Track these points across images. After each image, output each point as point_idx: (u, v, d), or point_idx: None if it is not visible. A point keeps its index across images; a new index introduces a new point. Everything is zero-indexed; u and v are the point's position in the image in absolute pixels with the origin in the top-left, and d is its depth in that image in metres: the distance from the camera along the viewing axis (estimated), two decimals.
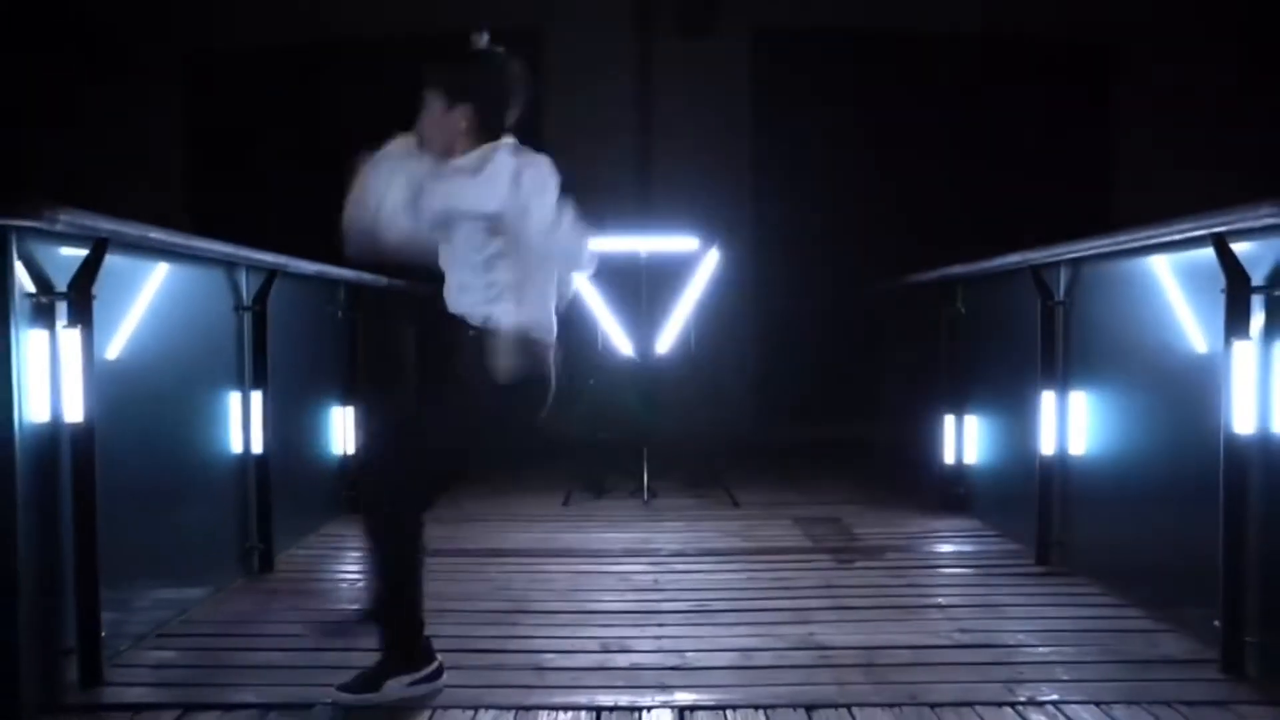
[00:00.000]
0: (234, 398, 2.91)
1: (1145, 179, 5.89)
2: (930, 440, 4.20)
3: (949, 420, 4.04)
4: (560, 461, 4.62)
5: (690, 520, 3.89)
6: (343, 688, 2.01)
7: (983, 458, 3.91)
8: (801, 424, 5.82)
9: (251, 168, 6.25)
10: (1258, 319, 2.11)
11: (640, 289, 4.46)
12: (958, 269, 3.92)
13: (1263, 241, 2.10)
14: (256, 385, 2.97)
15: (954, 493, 4.00)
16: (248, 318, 2.95)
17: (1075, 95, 6.27)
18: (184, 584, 2.64)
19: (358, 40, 6.16)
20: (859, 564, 3.15)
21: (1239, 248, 2.14)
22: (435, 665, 2.06)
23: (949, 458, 4.03)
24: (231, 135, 6.26)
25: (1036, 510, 3.12)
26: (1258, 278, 2.11)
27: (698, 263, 4.53)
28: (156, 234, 2.37)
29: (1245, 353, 2.12)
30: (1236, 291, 2.12)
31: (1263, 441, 2.10)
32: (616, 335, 4.55)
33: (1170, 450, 2.54)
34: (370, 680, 2.01)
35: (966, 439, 3.97)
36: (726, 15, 6.16)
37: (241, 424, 2.92)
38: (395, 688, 2.01)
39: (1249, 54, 5.68)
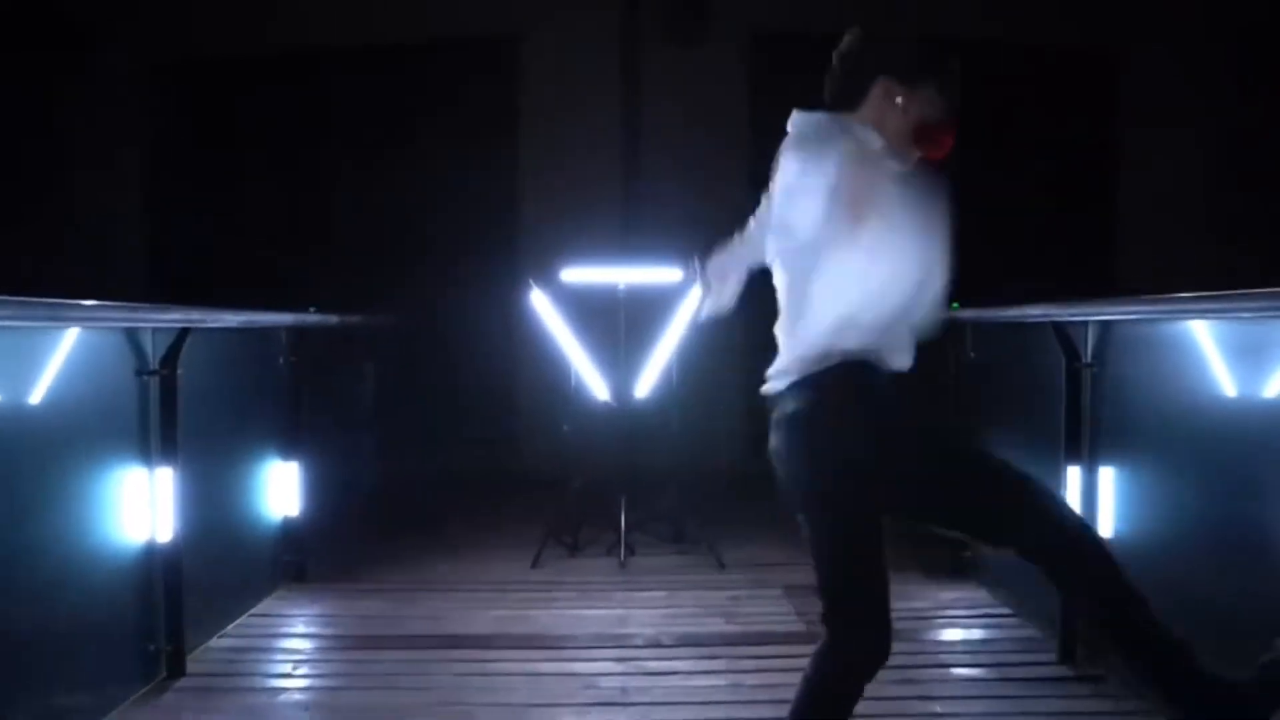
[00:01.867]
0: (136, 476, 2.52)
1: (1156, 201, 5.54)
2: None
3: None
4: (537, 509, 4.24)
5: (670, 589, 3.51)
6: None
7: None
8: None
9: (220, 177, 5.87)
10: None
11: (619, 325, 4.08)
12: (968, 313, 3.54)
13: None
14: (165, 459, 2.57)
15: (961, 556, 3.62)
16: (154, 383, 2.56)
17: (1084, 108, 5.90)
18: (71, 697, 2.25)
19: (336, 51, 5.79)
20: None
21: None
22: None
23: None
24: (199, 142, 5.89)
25: (1060, 603, 2.74)
26: None
27: (682, 295, 4.14)
28: (40, 304, 1.98)
29: None
30: None
31: None
32: (592, 377, 4.16)
33: (1227, 540, 2.16)
34: None
35: None
36: (719, 22, 5.77)
37: (147, 507, 2.53)
38: None
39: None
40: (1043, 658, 2.75)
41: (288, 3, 5.74)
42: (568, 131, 5.74)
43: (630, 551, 3.89)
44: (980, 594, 3.39)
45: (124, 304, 2.35)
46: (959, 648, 2.94)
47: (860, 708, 2.25)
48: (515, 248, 5.74)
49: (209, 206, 5.79)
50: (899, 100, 1.64)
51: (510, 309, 5.35)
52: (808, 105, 1.72)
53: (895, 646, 2.83)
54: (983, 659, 2.80)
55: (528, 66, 5.90)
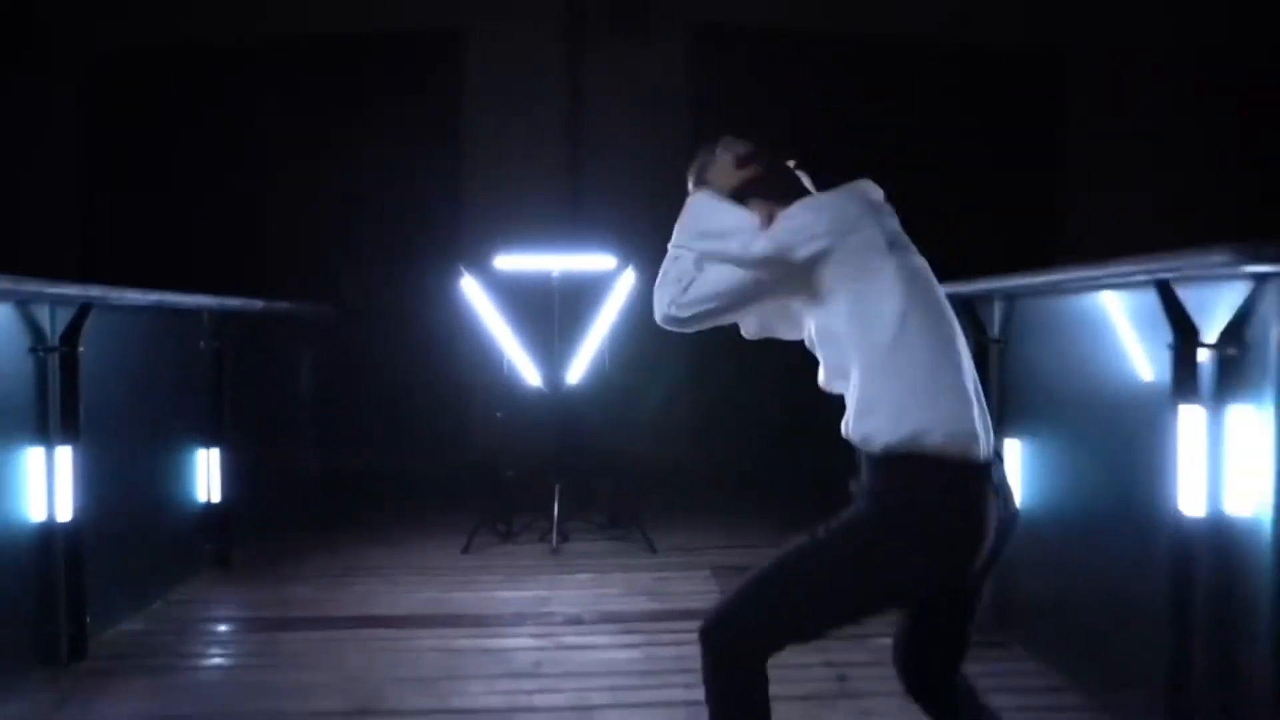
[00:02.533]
0: (31, 455, 2.46)
1: (1100, 192, 5.67)
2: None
3: None
4: (470, 499, 4.22)
5: (599, 571, 3.51)
6: None
7: None
8: (731, 451, 5.45)
9: (154, 170, 5.76)
10: (1207, 378, 1.80)
11: (553, 312, 4.08)
12: None
13: (1214, 290, 1.78)
14: (65, 439, 2.52)
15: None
16: (53, 360, 2.50)
17: (1030, 104, 6.02)
18: None
19: (275, 40, 5.72)
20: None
21: (1189, 294, 1.83)
22: None
23: None
24: (135, 135, 5.77)
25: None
26: (1208, 333, 1.79)
27: (614, 282, 4.15)
28: None
29: (1193, 418, 1.80)
30: (1184, 347, 1.80)
31: (1213, 524, 1.78)
32: (524, 363, 4.16)
33: (1116, 514, 2.22)
34: None
35: None
36: (662, 15, 5.80)
37: (44, 486, 2.48)
38: None
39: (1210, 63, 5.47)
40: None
41: None
42: (511, 122, 5.73)
43: (564, 538, 3.89)
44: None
45: (16, 277, 2.30)
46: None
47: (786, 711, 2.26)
48: (458, 238, 5.71)
49: (143, 194, 5.68)
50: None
51: (449, 298, 5.34)
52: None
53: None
54: (889, 627, 2.82)
55: (471, 58, 5.88)
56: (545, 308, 4.08)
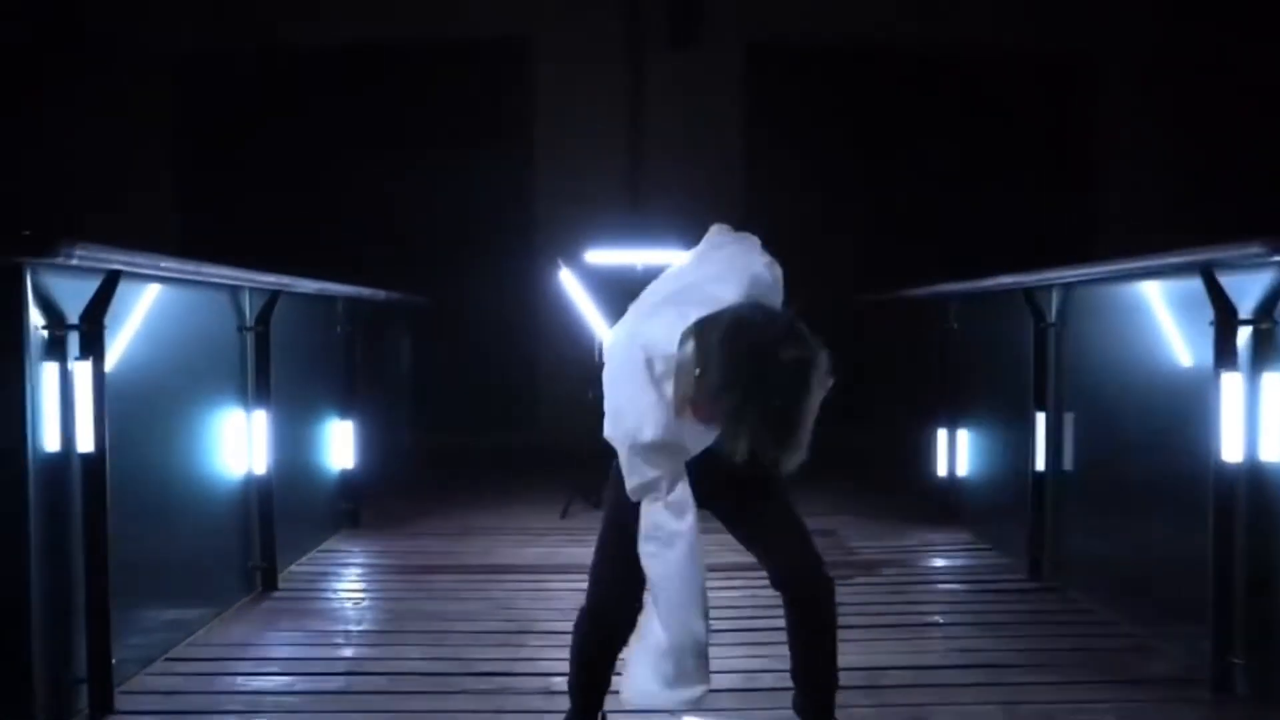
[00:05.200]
0: (238, 418, 2.92)
1: (1134, 187, 5.99)
2: (922, 452, 4.27)
3: (941, 434, 4.10)
4: (558, 472, 4.64)
5: None
6: None
7: (974, 471, 3.98)
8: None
9: (247, 171, 6.21)
10: (1245, 350, 2.18)
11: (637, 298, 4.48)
12: (952, 286, 3.98)
13: (1250, 275, 2.16)
14: (259, 405, 2.98)
15: (946, 505, 4.07)
16: (250, 338, 2.96)
17: (1068, 108, 6.34)
18: (190, 606, 2.65)
19: (352, 45, 6.15)
20: (858, 579, 3.20)
21: (1227, 279, 2.21)
22: None
23: (941, 470, 4.10)
24: (227, 138, 6.22)
25: (1029, 527, 3.19)
26: (1245, 310, 2.18)
27: None
28: (167, 263, 2.38)
29: (1233, 384, 2.19)
30: (1224, 324, 2.19)
31: (1250, 469, 2.17)
32: None
33: (1160, 472, 2.60)
34: None
35: (959, 453, 4.04)
36: (718, 28, 6.20)
37: (246, 444, 2.93)
38: None
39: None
40: (1016, 578, 3.19)
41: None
42: (577, 128, 6.14)
43: None
44: (963, 535, 3.83)
45: (231, 267, 2.75)
46: (949, 573, 3.39)
47: (870, 621, 2.69)
48: (530, 235, 6.14)
49: (240, 195, 6.11)
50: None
51: (531, 290, 5.76)
52: None
53: (897, 574, 3.28)
54: (968, 579, 3.25)
55: (536, 67, 6.28)
56: (631, 297, 4.49)
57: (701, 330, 1.59)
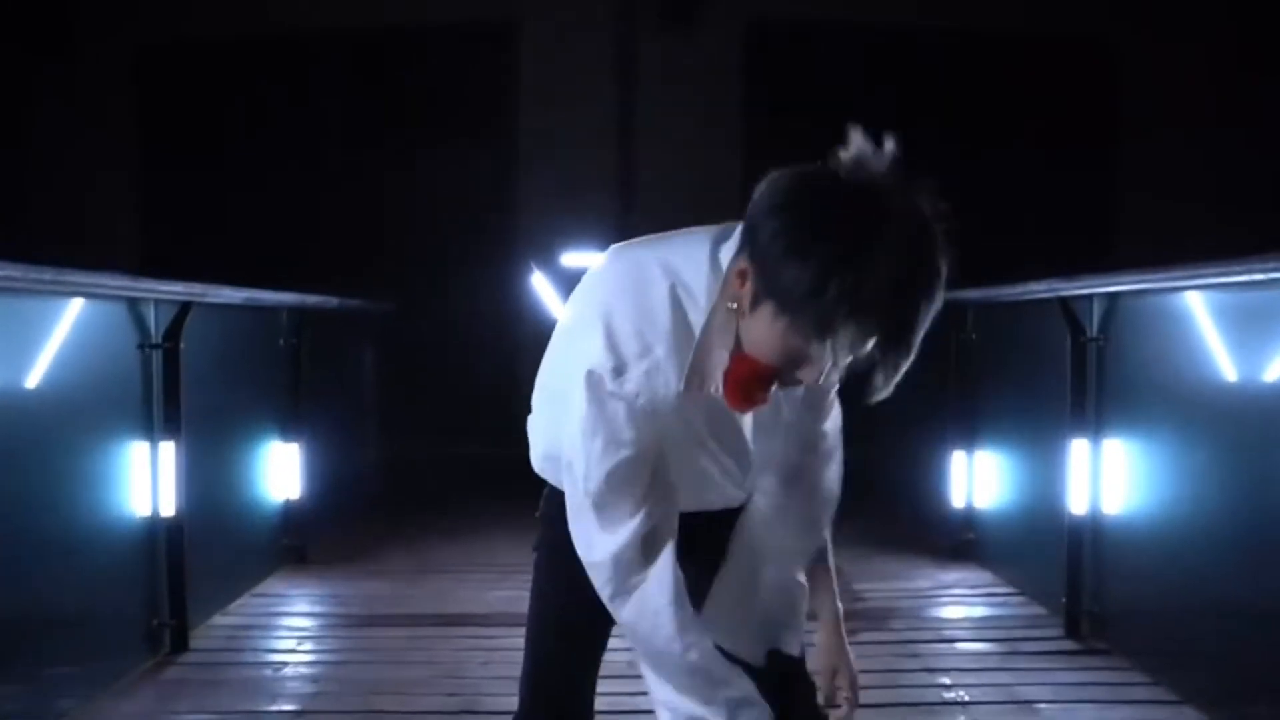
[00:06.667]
0: (140, 450, 2.49)
1: (1158, 181, 5.57)
2: (936, 477, 3.82)
3: (958, 457, 3.66)
4: (534, 489, 4.23)
5: None
6: None
7: (996, 501, 3.54)
8: None
9: (212, 162, 5.81)
10: None
11: None
12: (971, 293, 3.54)
13: None
14: (168, 434, 2.55)
15: (963, 539, 3.63)
16: (156, 356, 2.53)
17: (1087, 95, 5.91)
18: (70, 679, 2.22)
19: (335, 33, 5.76)
20: (864, 635, 2.76)
21: None
22: None
23: (958, 499, 3.66)
24: (187, 133, 5.83)
25: (1065, 575, 2.74)
26: None
27: None
28: (39, 274, 1.96)
29: None
30: None
31: None
32: None
33: (1232, 515, 2.17)
34: None
35: (978, 479, 3.60)
36: (713, 6, 5.77)
37: (150, 480, 2.50)
38: None
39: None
40: (1050, 635, 2.75)
41: None
42: (564, 114, 5.72)
43: None
44: (983, 574, 3.39)
45: (127, 274, 2.33)
46: (970, 626, 2.94)
47: (881, 696, 2.27)
48: (513, 232, 5.72)
49: (201, 192, 5.73)
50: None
51: (508, 292, 5.33)
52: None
53: (909, 627, 2.84)
54: (993, 635, 2.80)
55: (525, 49, 5.88)
56: None
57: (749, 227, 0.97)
